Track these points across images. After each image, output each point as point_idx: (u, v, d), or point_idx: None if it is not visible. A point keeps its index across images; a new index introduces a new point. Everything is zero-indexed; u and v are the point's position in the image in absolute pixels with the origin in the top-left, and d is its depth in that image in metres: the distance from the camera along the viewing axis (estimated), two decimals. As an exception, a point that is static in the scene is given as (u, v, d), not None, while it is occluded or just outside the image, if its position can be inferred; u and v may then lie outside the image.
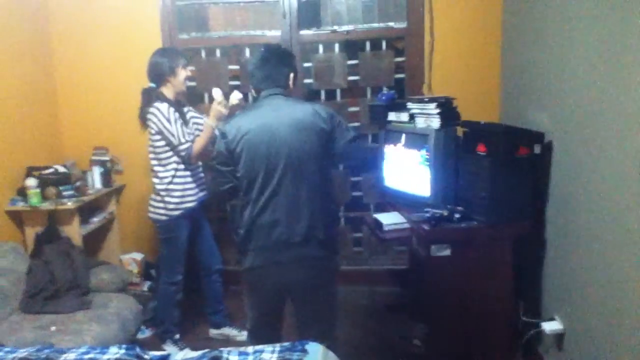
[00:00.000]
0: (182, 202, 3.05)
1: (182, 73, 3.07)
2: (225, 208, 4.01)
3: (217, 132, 2.78)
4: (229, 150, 2.34)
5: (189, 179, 3.06)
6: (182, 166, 3.03)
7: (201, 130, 3.07)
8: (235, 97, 3.01)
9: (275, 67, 2.41)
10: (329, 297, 2.55)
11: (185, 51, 3.42)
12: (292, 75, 2.46)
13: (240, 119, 2.38)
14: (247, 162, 2.31)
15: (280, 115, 2.31)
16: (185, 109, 3.19)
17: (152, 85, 3.07)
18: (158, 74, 3.05)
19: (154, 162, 3.05)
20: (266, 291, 2.44)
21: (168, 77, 3.04)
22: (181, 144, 2.94)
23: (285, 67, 2.44)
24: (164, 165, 3.03)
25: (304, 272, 2.38)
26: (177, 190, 3.03)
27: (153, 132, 2.99)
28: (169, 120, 2.94)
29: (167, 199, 3.03)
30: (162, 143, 2.99)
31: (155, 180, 3.06)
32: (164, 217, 3.05)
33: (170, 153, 3.01)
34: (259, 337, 2.47)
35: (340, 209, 4.10)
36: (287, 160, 2.28)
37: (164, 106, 2.96)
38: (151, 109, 2.97)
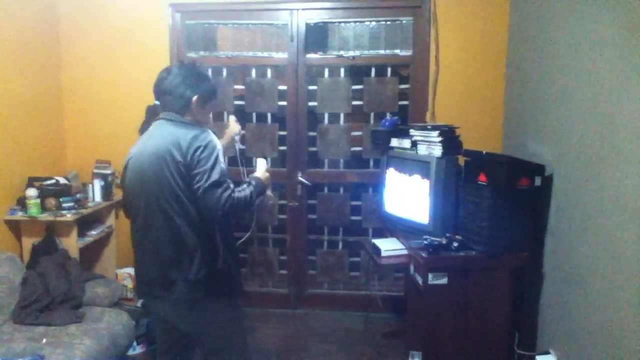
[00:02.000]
0: None
1: None
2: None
3: (237, 139, 2.83)
4: (123, 173, 2.32)
5: None
6: None
7: None
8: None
9: (174, 88, 2.23)
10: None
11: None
12: (194, 98, 2.24)
13: (136, 143, 2.31)
14: (127, 189, 2.30)
15: (149, 143, 2.20)
16: None
17: (157, 102, 3.09)
18: None
19: None
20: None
21: None
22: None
23: (186, 90, 2.23)
24: None
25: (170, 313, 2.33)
26: None
27: None
28: None
29: None
30: None
31: None
32: None
33: None
34: None
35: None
36: (147, 191, 2.18)
37: None
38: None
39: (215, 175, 2.08)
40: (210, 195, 2.07)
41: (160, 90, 2.26)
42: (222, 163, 2.16)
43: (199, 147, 2.10)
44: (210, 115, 2.39)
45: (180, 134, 2.14)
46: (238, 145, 2.87)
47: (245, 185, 2.27)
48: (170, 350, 2.50)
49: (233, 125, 2.84)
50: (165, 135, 2.17)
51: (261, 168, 2.47)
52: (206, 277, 2.18)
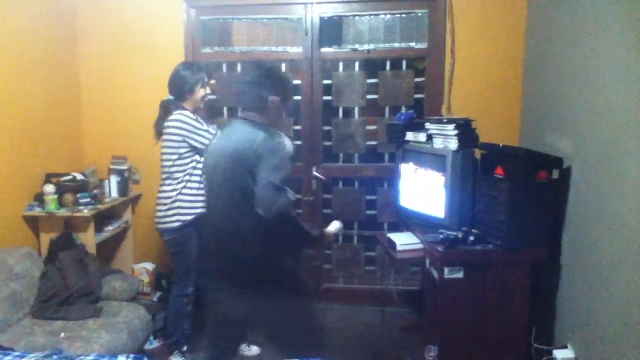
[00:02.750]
0: (193, 207, 3.05)
1: (201, 92, 3.13)
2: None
3: None
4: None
5: (197, 185, 3.06)
6: (196, 172, 3.04)
7: None
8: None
9: (251, 89, 2.31)
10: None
11: (207, 65, 3.44)
12: (270, 98, 2.28)
13: (217, 137, 2.45)
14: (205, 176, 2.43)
15: (226, 141, 2.30)
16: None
17: (171, 97, 3.11)
18: (177, 88, 3.11)
19: (171, 169, 3.05)
20: None
21: (186, 94, 3.10)
22: (214, 135, 2.98)
23: (263, 91, 2.28)
24: (181, 172, 3.04)
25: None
26: (188, 195, 3.04)
27: (178, 139, 3.00)
28: (197, 120, 3.03)
29: (177, 203, 3.03)
30: (186, 149, 3.02)
31: (167, 188, 3.06)
32: (177, 224, 3.04)
33: (188, 160, 3.03)
34: None
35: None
36: (219, 185, 2.28)
37: (187, 112, 3.04)
38: (174, 117, 3.00)
39: (275, 177, 2.09)
40: (264, 194, 2.08)
41: (238, 89, 2.40)
42: (287, 169, 2.16)
43: (270, 144, 2.14)
44: (285, 117, 2.47)
45: (256, 132, 2.19)
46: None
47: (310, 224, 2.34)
48: (219, 342, 2.51)
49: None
50: (240, 135, 2.23)
51: (331, 228, 2.52)
52: (275, 268, 2.24)
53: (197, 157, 3.04)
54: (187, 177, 3.04)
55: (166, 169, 3.07)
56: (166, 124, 3.02)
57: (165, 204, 3.06)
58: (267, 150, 2.13)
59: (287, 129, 4.03)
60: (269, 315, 2.29)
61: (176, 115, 3.00)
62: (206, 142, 2.97)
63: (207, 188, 2.44)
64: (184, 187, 3.03)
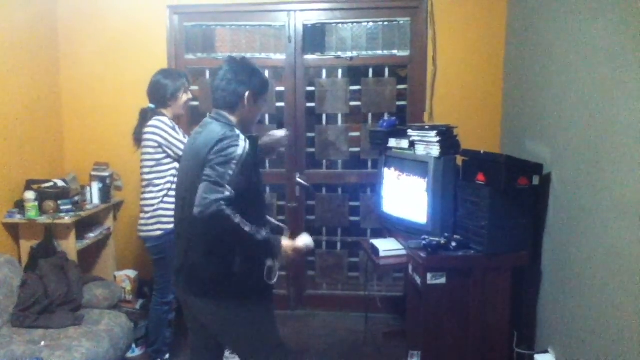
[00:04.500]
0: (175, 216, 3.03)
1: (183, 97, 3.13)
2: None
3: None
4: None
5: None
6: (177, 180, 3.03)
7: None
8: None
9: (227, 85, 2.18)
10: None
11: (190, 72, 3.44)
12: (247, 94, 2.17)
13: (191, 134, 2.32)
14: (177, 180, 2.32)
15: (192, 141, 2.21)
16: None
17: (151, 106, 3.10)
18: (159, 96, 3.10)
19: (150, 176, 3.03)
20: None
21: (169, 101, 3.10)
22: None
23: (239, 86, 2.17)
24: (160, 178, 3.02)
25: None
26: (170, 203, 3.01)
27: (154, 145, 2.99)
28: (173, 129, 3.00)
29: (160, 212, 3.01)
30: (163, 155, 3.00)
31: (148, 195, 3.04)
32: (158, 232, 3.02)
33: (167, 168, 3.01)
34: None
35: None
36: (185, 187, 2.17)
37: (165, 119, 3.02)
38: (151, 123, 2.99)
39: (214, 175, 1.97)
40: (199, 194, 1.95)
41: (212, 87, 2.23)
42: (232, 170, 2.00)
43: (220, 144, 2.03)
44: (259, 112, 2.33)
45: (217, 132, 2.09)
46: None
47: (261, 229, 2.12)
48: (204, 351, 2.44)
49: (283, 138, 2.75)
50: (204, 134, 2.14)
51: (298, 241, 2.27)
52: (226, 276, 2.12)
53: (176, 164, 3.01)
54: (167, 186, 3.02)
55: (145, 176, 3.05)
56: (144, 130, 3.02)
57: (147, 212, 3.04)
58: (217, 149, 2.02)
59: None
60: (225, 324, 2.23)
61: (153, 121, 2.99)
62: (178, 152, 2.95)
63: (176, 192, 2.35)
64: (166, 195, 3.02)
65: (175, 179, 3.01)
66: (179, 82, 3.11)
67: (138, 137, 3.09)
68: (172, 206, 2.96)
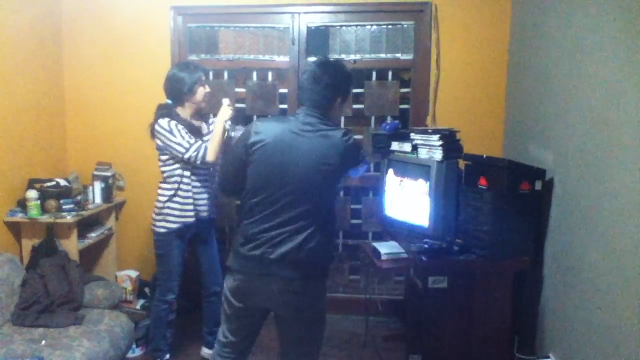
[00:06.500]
0: (181, 216, 3.04)
1: (201, 91, 3.05)
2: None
3: (227, 126, 2.91)
4: (246, 148, 2.25)
5: (190, 194, 3.04)
6: (185, 180, 3.02)
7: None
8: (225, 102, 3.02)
9: (323, 89, 2.26)
10: (307, 322, 2.33)
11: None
12: (338, 99, 2.31)
13: (269, 124, 2.28)
14: (258, 169, 2.22)
15: (302, 139, 2.19)
16: (210, 121, 3.22)
17: (168, 101, 3.07)
18: (176, 90, 3.02)
19: (163, 168, 3.05)
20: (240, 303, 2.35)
21: (186, 95, 3.02)
22: (187, 149, 2.91)
23: (331, 91, 2.27)
24: (167, 179, 3.03)
25: (278, 292, 2.23)
26: (177, 204, 3.02)
27: (160, 144, 3.00)
28: (171, 132, 2.92)
29: (166, 210, 3.02)
30: (166, 157, 3.01)
31: (160, 191, 3.06)
32: (162, 230, 3.03)
33: (172, 168, 3.01)
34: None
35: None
36: (293, 184, 2.17)
37: (164, 121, 2.95)
38: (155, 125, 2.99)
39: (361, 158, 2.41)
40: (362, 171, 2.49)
41: (303, 85, 2.30)
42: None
43: (346, 150, 2.22)
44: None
45: (332, 136, 2.22)
46: (232, 133, 2.86)
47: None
48: (248, 338, 2.45)
49: (224, 110, 2.90)
50: (323, 134, 2.22)
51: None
52: (332, 257, 2.34)
53: (178, 165, 3.01)
54: (175, 186, 3.01)
55: (161, 169, 3.06)
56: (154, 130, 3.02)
57: (157, 207, 3.06)
58: (346, 150, 2.23)
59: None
60: (316, 302, 2.32)
61: (159, 121, 2.98)
62: (178, 154, 2.93)
63: (268, 188, 2.25)
64: (175, 194, 3.01)
65: (184, 179, 3.02)
66: (195, 74, 3.01)
67: (153, 132, 3.06)
68: (179, 207, 3.01)
